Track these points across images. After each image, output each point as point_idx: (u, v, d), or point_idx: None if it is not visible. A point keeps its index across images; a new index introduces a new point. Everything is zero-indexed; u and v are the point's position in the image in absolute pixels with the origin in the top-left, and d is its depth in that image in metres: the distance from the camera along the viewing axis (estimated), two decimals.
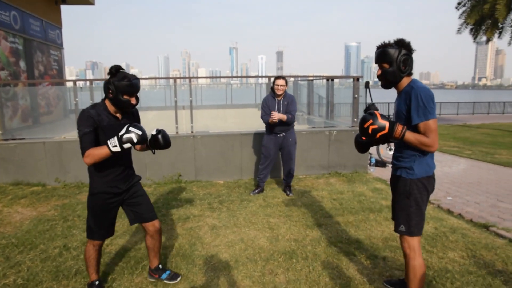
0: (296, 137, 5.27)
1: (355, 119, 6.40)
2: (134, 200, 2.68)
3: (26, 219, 4.39)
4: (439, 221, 4.12)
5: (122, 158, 2.61)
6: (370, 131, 2.16)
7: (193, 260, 3.27)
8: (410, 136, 2.17)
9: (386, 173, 6.61)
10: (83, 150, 2.31)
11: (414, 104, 2.16)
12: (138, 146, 2.70)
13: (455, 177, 6.26)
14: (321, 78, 8.04)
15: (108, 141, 2.28)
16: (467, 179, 6.11)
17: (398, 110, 2.31)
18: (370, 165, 6.73)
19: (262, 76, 10.83)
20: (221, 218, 4.33)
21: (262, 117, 5.08)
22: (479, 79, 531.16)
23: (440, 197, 5.12)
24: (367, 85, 5.69)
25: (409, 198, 2.31)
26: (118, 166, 2.58)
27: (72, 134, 6.28)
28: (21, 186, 5.70)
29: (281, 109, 4.97)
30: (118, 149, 2.27)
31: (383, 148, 7.59)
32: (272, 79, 5.21)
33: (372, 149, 7.27)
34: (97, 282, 2.72)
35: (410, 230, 2.33)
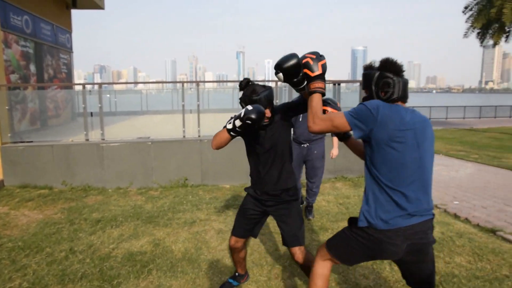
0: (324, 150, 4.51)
1: None
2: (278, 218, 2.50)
3: (33, 222, 4.43)
4: (446, 226, 4.09)
5: (260, 159, 2.42)
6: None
7: (199, 264, 3.28)
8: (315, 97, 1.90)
9: None
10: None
11: None
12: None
13: (462, 181, 6.21)
14: (328, 82, 8.05)
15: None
16: (474, 184, 6.06)
17: None
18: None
19: (269, 81, 10.87)
20: (227, 222, 4.33)
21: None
22: (486, 82, 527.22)
23: (447, 201, 5.08)
24: None
25: None
26: (260, 167, 2.43)
27: (80, 137, 6.34)
28: (28, 189, 5.75)
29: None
30: (230, 126, 2.18)
31: None
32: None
33: None
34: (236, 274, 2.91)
35: None
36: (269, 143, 2.38)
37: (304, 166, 4.53)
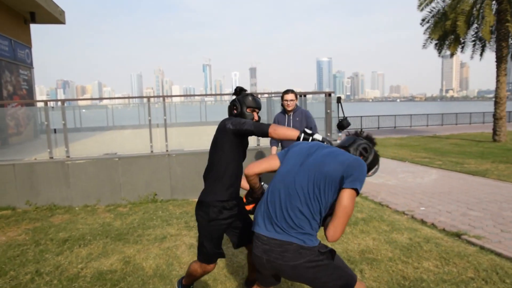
0: None
1: (328, 134, 6.53)
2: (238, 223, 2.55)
3: None
4: (413, 232, 4.23)
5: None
6: None
7: (171, 280, 3.22)
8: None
9: None
10: (265, 125, 2.23)
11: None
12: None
13: (427, 188, 6.45)
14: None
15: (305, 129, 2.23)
16: (439, 189, 6.31)
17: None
18: None
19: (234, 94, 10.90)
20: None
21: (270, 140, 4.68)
22: (446, 91, 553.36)
23: (414, 207, 5.26)
24: (338, 100, 5.79)
25: None
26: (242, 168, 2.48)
27: (43, 155, 6.11)
28: None
29: (291, 124, 4.53)
30: (308, 137, 2.17)
31: None
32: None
33: None
34: None
35: None
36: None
37: None
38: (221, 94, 50.77)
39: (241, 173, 2.45)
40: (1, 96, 8.71)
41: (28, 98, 10.46)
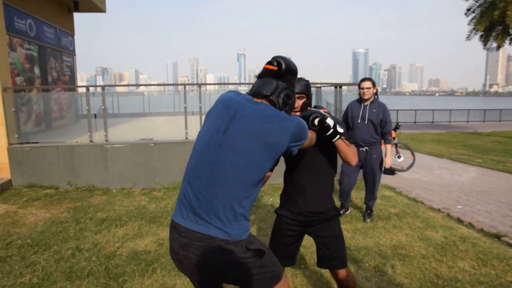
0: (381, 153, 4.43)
1: None
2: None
3: (40, 220, 4.48)
4: (449, 230, 4.10)
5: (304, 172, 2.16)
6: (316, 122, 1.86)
7: None
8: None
9: (394, 180, 6.59)
10: None
11: None
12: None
13: (465, 186, 6.22)
14: (329, 85, 8.08)
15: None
16: (478, 188, 6.07)
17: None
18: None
19: None
20: None
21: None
22: (490, 86, 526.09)
23: (450, 205, 5.10)
24: (375, 92, 5.60)
25: None
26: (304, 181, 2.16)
27: (84, 139, 6.39)
28: (35, 189, 5.82)
29: (366, 116, 4.23)
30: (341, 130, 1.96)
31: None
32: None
33: None
34: None
35: None
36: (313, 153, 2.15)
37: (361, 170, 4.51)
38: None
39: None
40: (46, 81, 9.14)
41: (71, 84, 10.92)
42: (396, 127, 7.77)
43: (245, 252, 1.54)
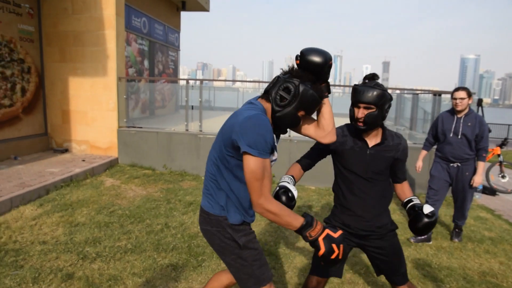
0: None
1: None
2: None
3: (138, 196, 5.04)
4: None
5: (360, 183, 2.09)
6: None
7: (277, 257, 3.42)
8: None
9: (494, 201, 5.96)
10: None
11: None
12: None
13: None
14: (428, 92, 7.57)
15: None
16: None
17: None
18: (476, 191, 6.12)
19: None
20: None
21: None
22: None
23: None
24: (479, 103, 5.15)
25: None
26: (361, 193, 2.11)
27: (181, 127, 6.97)
28: (136, 168, 6.54)
29: (460, 130, 3.85)
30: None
31: (493, 174, 6.85)
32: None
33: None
34: None
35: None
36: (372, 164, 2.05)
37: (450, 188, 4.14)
38: (350, 86, 49.43)
39: None
40: (153, 73, 10.13)
41: (174, 76, 11.92)
42: (503, 143, 6.99)
43: (224, 230, 1.73)
